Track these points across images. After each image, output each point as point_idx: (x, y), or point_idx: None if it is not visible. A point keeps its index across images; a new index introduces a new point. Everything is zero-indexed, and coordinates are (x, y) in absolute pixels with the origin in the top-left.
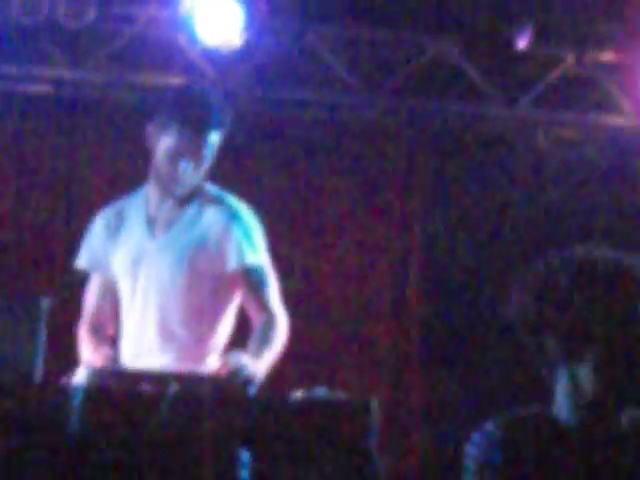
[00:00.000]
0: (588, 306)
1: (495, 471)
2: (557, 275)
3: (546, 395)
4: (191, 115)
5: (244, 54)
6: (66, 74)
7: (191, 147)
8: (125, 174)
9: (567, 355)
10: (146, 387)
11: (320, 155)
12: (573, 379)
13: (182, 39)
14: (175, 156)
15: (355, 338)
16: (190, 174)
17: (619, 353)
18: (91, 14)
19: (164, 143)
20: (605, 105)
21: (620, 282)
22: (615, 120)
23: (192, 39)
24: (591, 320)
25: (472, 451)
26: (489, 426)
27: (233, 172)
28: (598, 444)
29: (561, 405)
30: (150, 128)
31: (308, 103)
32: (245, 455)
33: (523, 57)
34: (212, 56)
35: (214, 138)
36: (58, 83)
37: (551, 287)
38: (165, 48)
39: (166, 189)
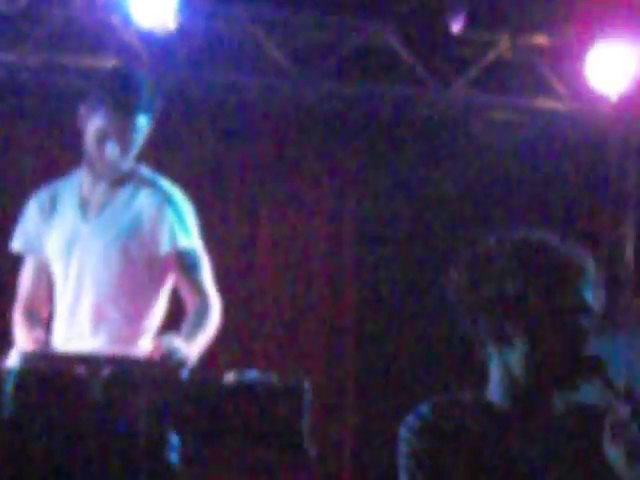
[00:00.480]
0: (520, 289)
1: (428, 453)
2: (493, 257)
3: (482, 378)
4: (119, 97)
5: (179, 37)
6: (2, 57)
7: (118, 129)
8: (60, 157)
9: (498, 337)
10: (79, 370)
11: (254, 138)
12: (504, 364)
13: (117, 21)
14: (102, 138)
15: (289, 320)
16: (117, 156)
17: (549, 338)
18: None
19: (93, 125)
20: (539, 88)
21: (554, 267)
22: (549, 103)
23: (127, 21)
24: (523, 303)
25: (405, 433)
26: (423, 409)
27: (166, 155)
28: (531, 428)
29: (494, 389)
30: (82, 110)
31: (242, 86)
32: (175, 438)
33: (457, 41)
34: (147, 38)
35: (142, 121)
36: None
37: (486, 268)
38: (100, 30)
39: (95, 171)
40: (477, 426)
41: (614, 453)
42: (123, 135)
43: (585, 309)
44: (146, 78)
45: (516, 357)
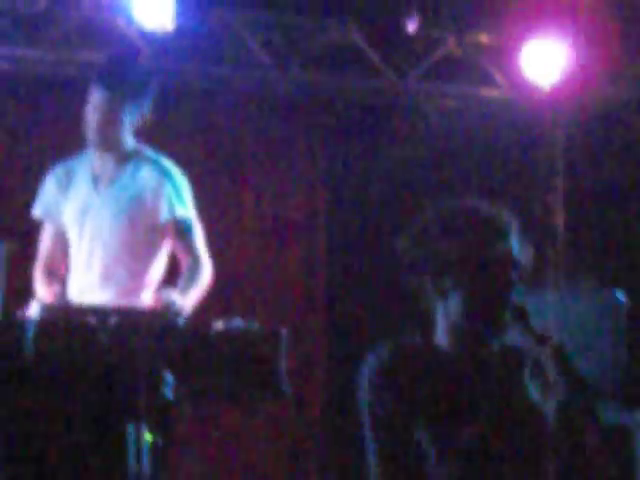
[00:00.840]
0: (454, 248)
1: (383, 388)
2: (432, 222)
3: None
4: (105, 73)
5: (176, 36)
6: (24, 53)
7: (103, 101)
8: (72, 138)
9: (439, 290)
10: (90, 319)
11: (238, 123)
12: (446, 313)
13: (122, 22)
14: (92, 110)
15: (269, 276)
16: (102, 126)
17: (480, 289)
18: (43, 1)
19: (88, 103)
20: (482, 79)
21: (483, 228)
22: (490, 92)
23: (131, 22)
24: (457, 260)
25: (365, 371)
26: (380, 350)
27: (165, 136)
28: (472, 366)
29: (440, 334)
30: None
31: (230, 78)
32: (169, 377)
33: (412, 39)
34: (149, 37)
35: (127, 101)
36: (17, 61)
37: (427, 232)
38: (108, 30)
39: (87, 140)
40: (427, 365)
41: (533, 388)
42: (106, 106)
43: (511, 263)
44: (143, 69)
45: (455, 306)
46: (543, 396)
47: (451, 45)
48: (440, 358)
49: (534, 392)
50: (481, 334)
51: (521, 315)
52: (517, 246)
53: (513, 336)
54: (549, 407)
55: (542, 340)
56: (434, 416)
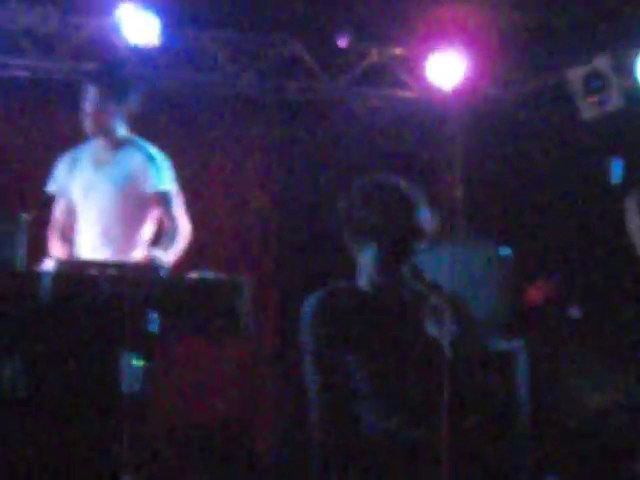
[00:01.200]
0: (369, 217)
1: (317, 323)
2: (355, 195)
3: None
4: (95, 72)
5: (160, 50)
6: (40, 64)
7: (96, 95)
8: (79, 132)
9: (359, 245)
10: (94, 271)
11: (208, 117)
12: (365, 262)
13: (118, 39)
14: (88, 103)
15: (234, 238)
16: (96, 115)
17: (387, 247)
18: (55, 22)
19: (86, 97)
20: (398, 83)
21: (393, 198)
22: (405, 94)
23: (125, 39)
24: (371, 224)
25: (305, 310)
26: (319, 292)
27: (151, 129)
28: (388, 307)
29: (363, 279)
30: None
31: (201, 83)
32: (154, 315)
33: (345, 50)
34: (138, 51)
35: (113, 95)
36: (34, 71)
37: (351, 201)
38: (105, 45)
39: (85, 128)
40: (351, 303)
41: (431, 328)
42: (95, 98)
43: (414, 232)
44: (127, 72)
45: (370, 257)
46: (439, 332)
47: (374, 56)
48: (361, 298)
49: (432, 331)
50: (388, 281)
51: (415, 271)
52: (424, 214)
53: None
54: (444, 340)
55: (431, 288)
56: (357, 343)
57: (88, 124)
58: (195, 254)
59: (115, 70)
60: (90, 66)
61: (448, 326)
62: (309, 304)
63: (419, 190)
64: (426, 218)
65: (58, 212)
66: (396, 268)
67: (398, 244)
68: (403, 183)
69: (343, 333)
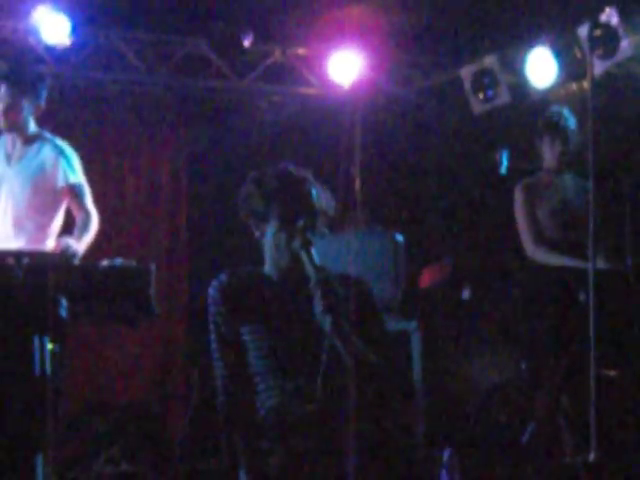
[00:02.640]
0: (267, 202)
1: (220, 305)
2: (250, 186)
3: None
4: (5, 72)
5: (72, 49)
6: None
7: (6, 94)
8: None
9: (262, 234)
10: (8, 260)
11: (119, 113)
12: (269, 250)
13: (32, 39)
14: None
15: (143, 224)
16: (7, 112)
17: (292, 232)
18: None
19: None
20: (300, 80)
21: (283, 181)
22: (307, 90)
23: (38, 39)
24: (271, 211)
25: (210, 292)
26: (221, 275)
27: (63, 124)
28: (291, 291)
29: (268, 266)
30: None
31: (112, 81)
32: (64, 301)
33: (249, 50)
34: (52, 51)
35: (23, 93)
36: None
37: (250, 189)
38: (22, 45)
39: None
40: (259, 289)
41: (316, 307)
42: (9, 97)
43: (308, 206)
44: (37, 70)
45: (269, 239)
46: (323, 315)
47: (277, 55)
48: (261, 280)
49: (318, 311)
50: (288, 264)
51: (307, 248)
52: (315, 192)
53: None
54: (327, 324)
55: (318, 270)
56: (252, 321)
57: (1, 121)
58: (108, 243)
59: (24, 68)
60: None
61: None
62: (212, 286)
63: (310, 173)
64: (319, 196)
65: None
66: (293, 247)
67: (292, 222)
68: (292, 167)
69: (240, 311)
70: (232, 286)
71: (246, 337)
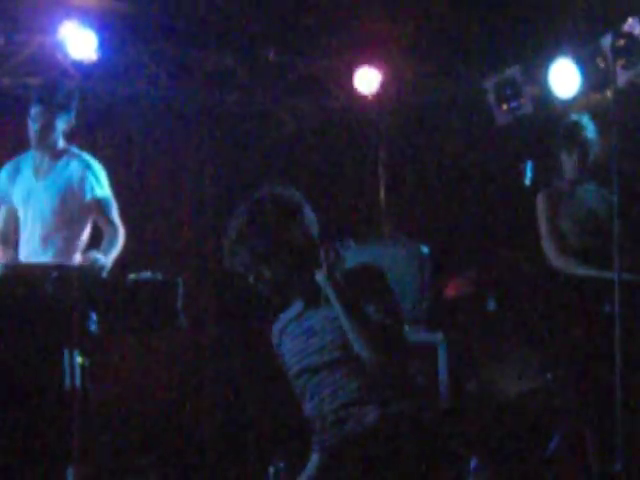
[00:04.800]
0: (263, 243)
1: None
2: (233, 232)
3: None
4: (38, 93)
5: (99, 64)
6: None
7: (37, 114)
8: (21, 143)
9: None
10: (37, 273)
11: (147, 127)
12: None
13: (59, 55)
14: (32, 121)
15: (168, 236)
16: (41, 133)
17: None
18: (1, 40)
19: (30, 115)
20: (326, 93)
21: (277, 209)
22: (333, 103)
23: (65, 54)
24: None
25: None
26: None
27: (90, 139)
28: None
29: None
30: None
31: (139, 95)
32: (93, 315)
33: (274, 63)
34: (78, 65)
35: (57, 113)
36: None
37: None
38: (49, 60)
39: (30, 143)
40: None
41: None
42: (41, 118)
43: (309, 239)
44: (69, 88)
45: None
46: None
47: (302, 68)
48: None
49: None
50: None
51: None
52: (308, 217)
53: None
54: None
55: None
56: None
57: (34, 140)
58: (135, 256)
59: (58, 87)
60: (35, 81)
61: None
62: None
63: (299, 196)
64: (311, 220)
65: (1, 219)
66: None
67: (293, 257)
68: (285, 192)
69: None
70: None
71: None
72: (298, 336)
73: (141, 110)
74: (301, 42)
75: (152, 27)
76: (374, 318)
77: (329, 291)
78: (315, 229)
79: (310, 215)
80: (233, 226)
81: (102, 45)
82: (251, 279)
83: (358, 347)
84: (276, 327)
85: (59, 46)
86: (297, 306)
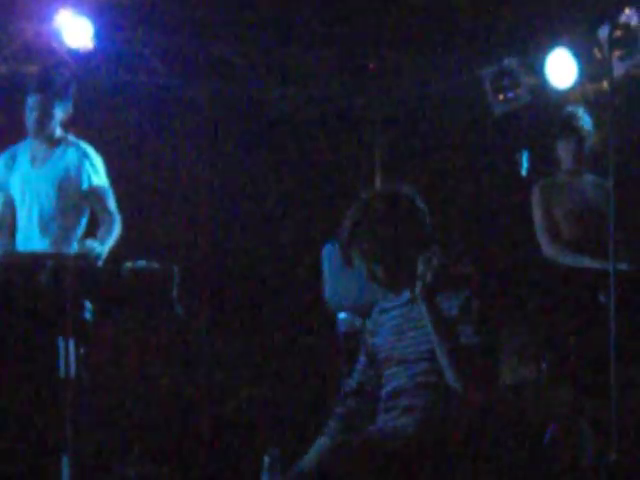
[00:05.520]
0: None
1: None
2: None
3: None
4: (36, 82)
5: (94, 52)
6: None
7: (35, 103)
8: (18, 130)
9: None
10: (32, 262)
11: (141, 115)
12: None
13: (55, 43)
14: (30, 109)
15: (169, 229)
16: (39, 121)
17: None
18: None
19: (27, 104)
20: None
21: (385, 207)
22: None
23: (61, 43)
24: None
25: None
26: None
27: (86, 127)
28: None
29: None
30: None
31: (133, 83)
32: (88, 304)
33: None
34: (74, 54)
35: (55, 101)
36: None
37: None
38: (44, 48)
39: (28, 132)
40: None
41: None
42: (38, 106)
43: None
44: (67, 77)
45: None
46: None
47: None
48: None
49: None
50: None
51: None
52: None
53: None
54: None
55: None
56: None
57: (32, 128)
58: (131, 245)
59: (55, 77)
60: (31, 69)
61: None
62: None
63: (405, 188)
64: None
65: None
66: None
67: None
68: (388, 189)
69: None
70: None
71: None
72: (398, 325)
73: (137, 98)
74: (298, 31)
75: (148, 15)
76: (467, 342)
77: (423, 310)
78: (427, 222)
79: (422, 207)
80: (344, 228)
81: (98, 33)
82: (367, 278)
83: (445, 368)
84: (377, 309)
85: (55, 34)
86: (405, 295)
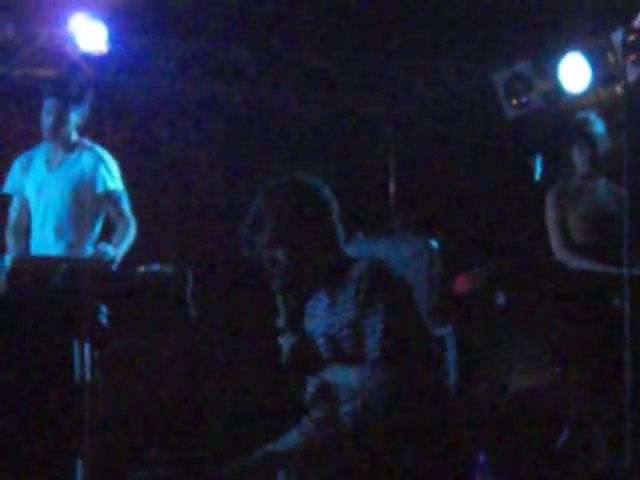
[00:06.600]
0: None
1: None
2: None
3: None
4: (52, 86)
5: (108, 56)
6: None
7: (50, 107)
8: (33, 134)
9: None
10: (46, 266)
11: (153, 118)
12: None
13: (69, 47)
14: (46, 113)
15: (181, 233)
16: (54, 125)
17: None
18: (10, 31)
19: (43, 107)
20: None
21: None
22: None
23: (75, 47)
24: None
25: None
26: None
27: (101, 131)
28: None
29: None
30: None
31: (147, 86)
32: (103, 307)
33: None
34: (88, 58)
35: (70, 105)
36: None
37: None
38: (59, 53)
39: (44, 136)
40: None
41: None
42: (54, 111)
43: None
44: (83, 81)
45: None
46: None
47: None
48: None
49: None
50: None
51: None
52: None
53: None
54: None
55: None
56: None
57: (47, 132)
58: (145, 248)
59: (71, 81)
60: (45, 73)
61: None
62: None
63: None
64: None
65: (13, 210)
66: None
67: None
68: (296, 177)
69: None
70: None
71: None
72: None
73: (151, 102)
74: (308, 34)
75: (161, 19)
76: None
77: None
78: (336, 212)
79: (327, 199)
80: (250, 213)
81: (112, 37)
82: (266, 265)
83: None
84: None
85: (69, 38)
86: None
